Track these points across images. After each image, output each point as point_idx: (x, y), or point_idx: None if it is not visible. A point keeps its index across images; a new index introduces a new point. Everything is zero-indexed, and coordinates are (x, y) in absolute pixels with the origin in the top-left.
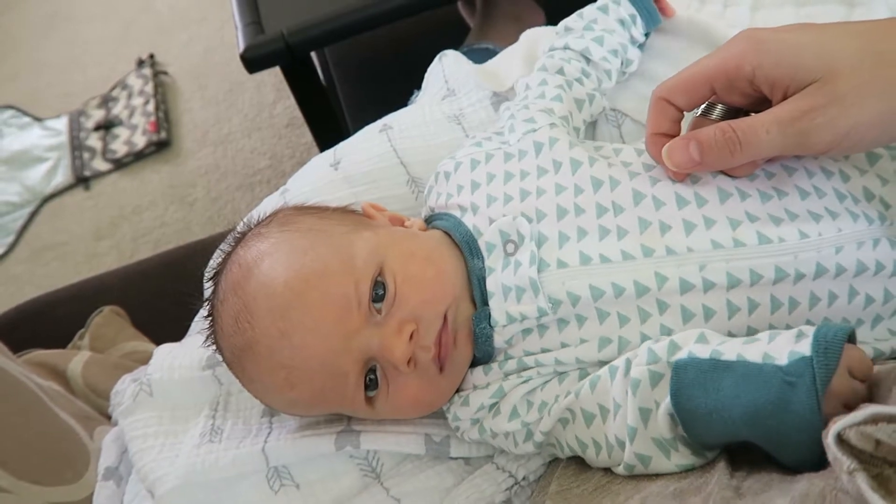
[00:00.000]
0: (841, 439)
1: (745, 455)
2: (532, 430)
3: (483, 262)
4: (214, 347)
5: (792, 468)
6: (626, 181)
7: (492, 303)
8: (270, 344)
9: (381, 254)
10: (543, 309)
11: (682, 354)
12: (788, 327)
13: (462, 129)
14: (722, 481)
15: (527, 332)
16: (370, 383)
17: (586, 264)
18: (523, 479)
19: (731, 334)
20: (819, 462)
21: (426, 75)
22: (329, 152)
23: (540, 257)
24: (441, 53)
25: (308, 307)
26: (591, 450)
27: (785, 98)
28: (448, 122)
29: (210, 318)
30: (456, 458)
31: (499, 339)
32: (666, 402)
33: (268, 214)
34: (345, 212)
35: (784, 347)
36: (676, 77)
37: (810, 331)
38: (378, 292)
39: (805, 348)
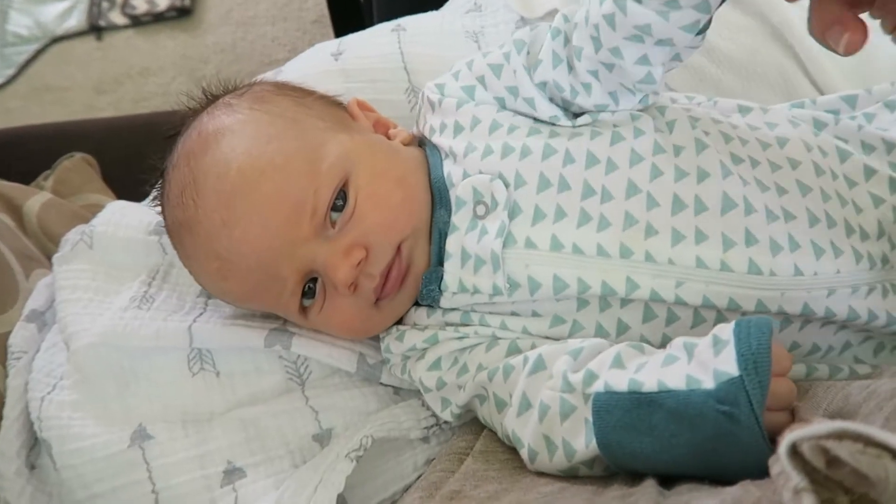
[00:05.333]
0: (794, 451)
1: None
2: (448, 399)
3: (449, 217)
4: (160, 210)
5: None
6: (624, 166)
7: (447, 265)
8: (210, 229)
9: (351, 162)
10: (499, 288)
11: (598, 386)
12: None
13: (478, 47)
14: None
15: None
16: (307, 291)
17: (557, 251)
18: (445, 422)
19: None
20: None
21: None
22: (334, 41)
23: (509, 230)
24: None
25: (258, 202)
26: (500, 433)
27: None
28: (465, 38)
29: (161, 181)
30: (386, 385)
31: (445, 303)
32: (591, 446)
33: (244, 84)
34: (328, 103)
35: (707, 364)
36: None
37: (729, 335)
38: (338, 202)
39: (730, 365)
